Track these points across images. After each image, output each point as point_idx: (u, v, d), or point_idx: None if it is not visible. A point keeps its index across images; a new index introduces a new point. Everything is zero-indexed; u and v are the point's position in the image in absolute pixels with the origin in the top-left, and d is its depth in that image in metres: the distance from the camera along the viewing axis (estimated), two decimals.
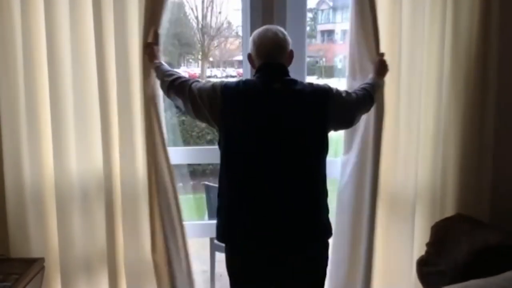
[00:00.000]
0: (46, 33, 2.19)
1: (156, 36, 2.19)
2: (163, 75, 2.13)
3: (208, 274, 3.51)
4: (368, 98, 2.14)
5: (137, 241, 2.37)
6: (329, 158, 2.04)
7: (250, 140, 1.91)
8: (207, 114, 1.97)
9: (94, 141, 2.30)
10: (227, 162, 1.96)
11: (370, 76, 2.26)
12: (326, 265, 2.08)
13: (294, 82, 1.96)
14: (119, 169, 2.32)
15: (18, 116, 2.21)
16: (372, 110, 2.27)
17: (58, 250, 2.33)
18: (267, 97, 1.91)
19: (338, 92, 2.01)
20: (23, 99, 2.21)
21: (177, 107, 2.28)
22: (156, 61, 2.18)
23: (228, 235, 2.01)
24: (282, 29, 2.04)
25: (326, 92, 1.97)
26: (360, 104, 2.10)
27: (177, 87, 2.05)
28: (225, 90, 1.94)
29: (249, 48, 2.03)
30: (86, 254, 2.38)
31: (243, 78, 2.01)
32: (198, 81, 2.05)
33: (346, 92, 2.08)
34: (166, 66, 2.18)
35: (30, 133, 2.24)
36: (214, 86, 1.97)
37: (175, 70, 2.20)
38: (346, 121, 2.10)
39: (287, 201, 1.91)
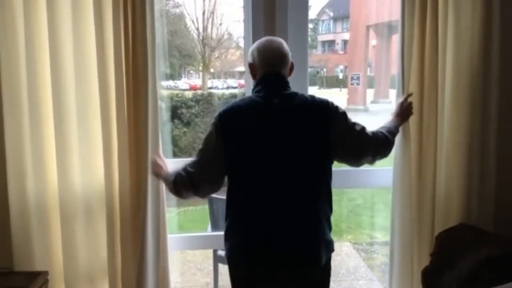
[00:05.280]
0: (49, 48, 2.21)
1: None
2: (172, 184, 2.05)
3: (211, 286, 3.50)
4: (385, 142, 2.09)
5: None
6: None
7: (257, 161, 1.89)
8: (217, 164, 1.93)
9: (96, 154, 2.30)
10: (236, 185, 1.93)
11: (391, 118, 2.24)
12: (328, 282, 2.04)
13: (294, 95, 1.94)
14: (117, 183, 2.32)
15: (22, 130, 2.21)
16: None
17: (62, 263, 2.33)
18: (267, 114, 1.89)
19: (340, 112, 1.96)
20: (27, 113, 2.22)
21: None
22: (163, 173, 2.17)
23: (245, 255, 1.95)
24: (284, 41, 2.04)
25: (326, 104, 1.94)
26: (373, 144, 2.05)
27: (180, 184, 2.00)
28: (222, 125, 1.91)
29: (250, 58, 2.01)
30: (90, 267, 2.37)
31: (238, 101, 1.98)
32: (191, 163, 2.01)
33: (358, 124, 2.02)
34: (169, 174, 2.12)
35: (33, 147, 2.24)
36: (210, 133, 1.94)
37: (173, 171, 2.09)
38: (354, 151, 2.02)
39: (292, 220, 1.90)
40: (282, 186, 1.89)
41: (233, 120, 1.91)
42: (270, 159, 1.89)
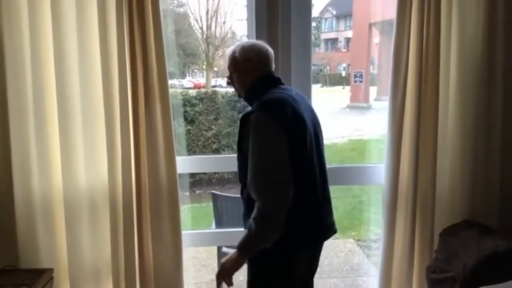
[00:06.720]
0: (54, 49, 2.23)
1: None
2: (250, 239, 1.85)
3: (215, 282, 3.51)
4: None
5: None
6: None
7: (306, 148, 1.89)
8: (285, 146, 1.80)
9: (100, 152, 2.32)
10: (300, 174, 1.86)
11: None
12: None
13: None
14: (121, 180, 2.34)
15: (27, 128, 2.24)
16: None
17: (67, 260, 2.35)
18: (299, 104, 1.91)
19: None
20: (32, 112, 2.24)
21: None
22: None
23: (313, 234, 1.98)
24: None
25: None
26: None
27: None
28: (279, 117, 1.81)
29: (251, 54, 1.97)
30: (94, 264, 2.40)
31: (272, 96, 1.88)
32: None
33: None
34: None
35: (39, 145, 2.26)
36: (273, 137, 1.80)
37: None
38: None
39: (328, 200, 2.04)
40: (321, 171, 1.98)
41: (282, 110, 1.83)
42: (313, 146, 1.93)
